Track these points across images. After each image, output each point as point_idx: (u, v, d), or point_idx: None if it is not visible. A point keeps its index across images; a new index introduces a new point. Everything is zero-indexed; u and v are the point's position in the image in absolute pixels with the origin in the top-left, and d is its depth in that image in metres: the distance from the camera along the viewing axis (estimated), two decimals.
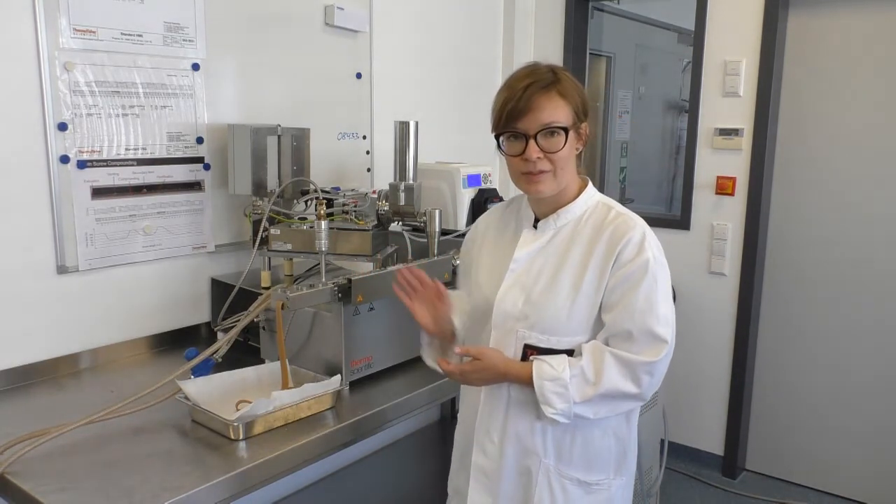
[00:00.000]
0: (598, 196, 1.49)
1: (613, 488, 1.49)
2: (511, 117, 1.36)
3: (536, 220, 1.48)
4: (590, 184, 1.49)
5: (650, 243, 1.38)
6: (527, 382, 1.37)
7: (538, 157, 1.36)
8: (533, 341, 1.41)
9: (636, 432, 1.54)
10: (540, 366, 1.36)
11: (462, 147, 3.30)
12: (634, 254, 1.37)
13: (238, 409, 1.57)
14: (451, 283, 2.14)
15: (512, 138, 1.38)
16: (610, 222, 1.42)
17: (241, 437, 1.56)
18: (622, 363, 1.35)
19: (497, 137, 1.41)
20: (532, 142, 1.35)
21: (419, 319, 1.53)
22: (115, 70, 2.00)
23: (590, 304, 1.39)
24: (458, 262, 2.17)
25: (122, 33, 2.00)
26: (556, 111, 1.36)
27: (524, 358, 1.41)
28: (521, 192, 1.55)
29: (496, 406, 1.47)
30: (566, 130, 1.37)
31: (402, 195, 2.19)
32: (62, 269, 1.95)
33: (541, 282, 1.42)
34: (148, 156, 2.10)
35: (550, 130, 1.36)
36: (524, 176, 1.40)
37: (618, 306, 1.37)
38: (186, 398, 1.64)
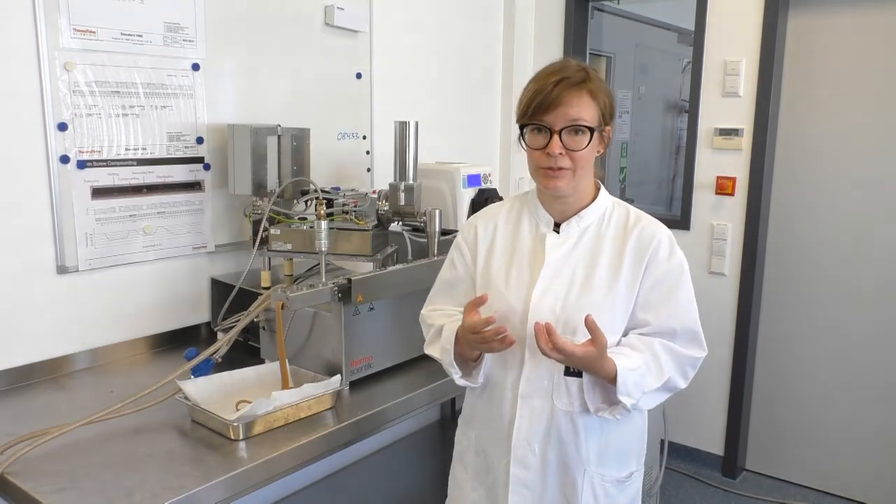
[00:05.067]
0: (611, 197, 1.51)
1: (638, 479, 1.55)
2: (538, 110, 1.35)
3: (556, 223, 1.47)
4: (602, 186, 1.50)
5: (676, 244, 1.44)
6: (609, 376, 1.33)
7: (560, 153, 1.35)
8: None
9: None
10: (619, 357, 1.34)
11: (462, 147, 3.30)
12: (668, 254, 1.42)
13: (238, 409, 1.57)
14: None
15: (536, 131, 1.38)
16: (634, 223, 1.45)
17: (241, 437, 1.56)
18: (673, 356, 1.40)
19: (521, 129, 1.41)
20: (556, 137, 1.35)
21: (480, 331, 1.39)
22: (115, 70, 1.99)
23: (624, 304, 1.41)
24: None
25: (122, 33, 2.00)
26: (583, 109, 1.35)
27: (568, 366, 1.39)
28: (523, 193, 1.55)
29: (538, 417, 1.43)
30: (591, 130, 1.36)
31: (402, 195, 2.19)
32: (62, 269, 1.95)
33: (575, 286, 1.41)
34: (148, 156, 2.10)
35: (575, 128, 1.35)
36: (543, 171, 1.39)
37: (662, 305, 1.41)
38: (186, 398, 1.64)
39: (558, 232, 1.46)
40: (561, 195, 1.43)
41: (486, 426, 1.52)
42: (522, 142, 1.42)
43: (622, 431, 1.47)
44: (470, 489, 1.56)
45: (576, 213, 1.45)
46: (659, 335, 1.40)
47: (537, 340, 1.30)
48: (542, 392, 1.43)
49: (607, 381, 1.35)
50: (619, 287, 1.40)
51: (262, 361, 1.94)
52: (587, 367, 1.34)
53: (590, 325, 1.29)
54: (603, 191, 1.49)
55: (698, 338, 1.43)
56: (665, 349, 1.39)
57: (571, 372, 1.39)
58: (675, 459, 3.42)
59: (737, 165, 3.19)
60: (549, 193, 1.44)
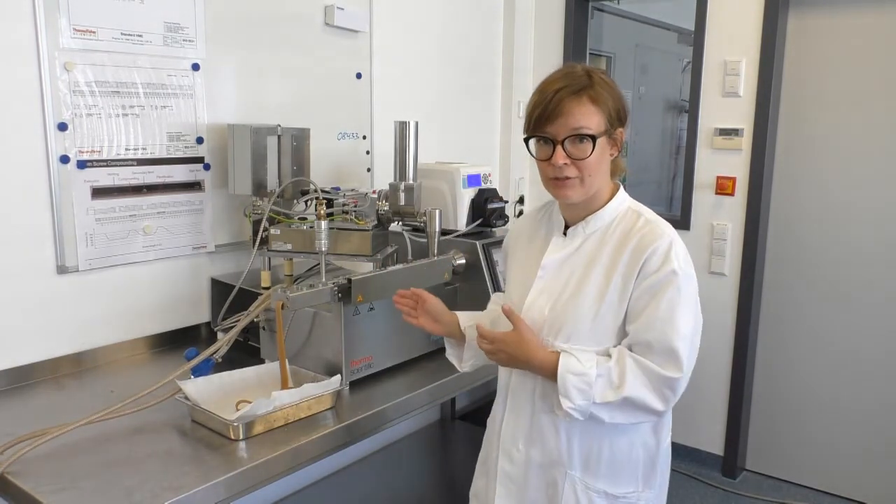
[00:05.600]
0: (629, 202, 1.47)
1: (642, 502, 1.47)
2: (540, 121, 1.34)
3: (567, 227, 1.47)
4: (621, 189, 1.47)
5: (677, 253, 1.36)
6: (549, 373, 1.34)
7: (565, 163, 1.34)
8: (558, 350, 1.38)
9: (667, 444, 1.52)
10: (567, 358, 1.33)
11: (462, 147, 3.30)
12: (660, 264, 1.34)
13: (238, 409, 1.57)
14: (450, 283, 2.15)
15: (541, 142, 1.37)
16: (638, 230, 1.39)
17: (241, 437, 1.56)
18: (645, 372, 1.32)
19: (527, 141, 1.40)
20: (559, 147, 1.33)
21: (426, 328, 1.61)
22: (115, 70, 1.99)
23: (614, 312, 1.37)
24: (459, 262, 2.19)
25: (122, 33, 2.00)
26: (585, 117, 1.33)
27: None
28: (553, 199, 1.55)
29: (522, 413, 1.46)
30: (594, 138, 1.34)
31: (402, 195, 2.19)
32: (62, 269, 1.95)
33: (567, 290, 1.41)
34: (148, 156, 2.10)
35: (579, 137, 1.33)
36: (552, 181, 1.39)
37: (640, 317, 1.35)
38: (186, 398, 1.64)
39: (566, 236, 1.47)
40: (573, 203, 1.42)
41: (491, 420, 1.61)
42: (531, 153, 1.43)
43: (615, 443, 1.42)
44: (478, 475, 1.66)
45: (584, 218, 1.44)
46: (636, 347, 1.35)
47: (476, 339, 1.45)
48: (527, 391, 1.46)
49: (549, 377, 1.35)
50: (609, 295, 1.37)
51: (262, 361, 1.94)
52: (513, 354, 1.38)
53: (507, 313, 1.39)
54: (620, 195, 1.46)
55: (674, 356, 1.31)
56: (636, 364, 1.32)
57: None
58: (674, 459, 3.38)
59: (737, 165, 3.19)
60: (561, 202, 1.45)
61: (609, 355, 1.36)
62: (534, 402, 1.44)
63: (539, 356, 1.36)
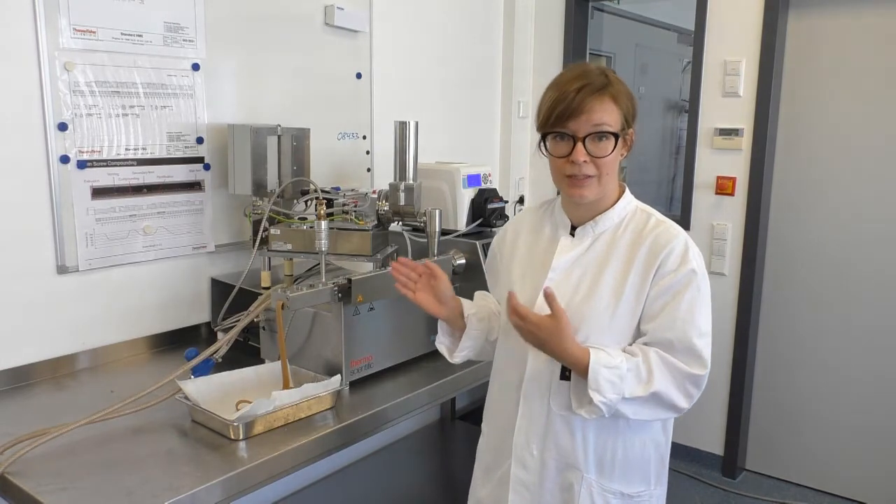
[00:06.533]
0: (636, 202, 1.47)
1: (654, 499, 1.48)
2: (561, 117, 1.33)
3: (573, 227, 1.46)
4: (627, 190, 1.47)
5: (693, 253, 1.37)
6: (580, 366, 1.31)
7: (585, 161, 1.33)
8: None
9: (670, 440, 1.52)
10: (598, 352, 1.31)
11: (462, 147, 3.30)
12: (678, 263, 1.35)
13: (238, 409, 1.57)
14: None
15: (558, 139, 1.35)
16: (651, 230, 1.40)
17: (241, 437, 1.56)
18: (670, 370, 1.33)
19: (543, 137, 1.38)
20: (580, 144, 1.33)
21: (426, 307, 1.54)
22: (115, 70, 2.00)
23: (630, 312, 1.37)
24: (459, 262, 2.19)
25: (122, 33, 2.00)
26: (607, 114, 1.33)
27: (564, 369, 1.38)
28: (554, 197, 1.54)
29: (536, 418, 1.44)
30: (616, 135, 1.34)
31: (402, 195, 2.19)
32: (62, 269, 1.95)
33: (581, 290, 1.39)
34: (148, 156, 2.10)
35: (599, 134, 1.33)
36: (567, 179, 1.37)
37: (660, 316, 1.35)
38: (186, 398, 1.64)
39: (574, 236, 1.45)
40: (586, 202, 1.40)
41: (494, 424, 1.56)
42: (544, 149, 1.40)
43: (628, 443, 1.42)
44: (480, 484, 1.60)
45: (592, 218, 1.44)
46: (655, 346, 1.35)
47: (507, 310, 1.34)
48: (541, 394, 1.43)
49: (577, 370, 1.32)
50: (626, 295, 1.37)
51: (262, 361, 1.94)
52: (547, 340, 1.31)
53: (547, 296, 1.30)
54: (626, 196, 1.46)
55: (696, 353, 1.33)
56: (661, 360, 1.33)
57: (565, 376, 1.38)
58: (674, 459, 3.39)
59: (737, 165, 3.19)
60: (574, 201, 1.42)
61: (631, 352, 1.35)
62: (549, 404, 1.42)
63: (573, 348, 1.32)
